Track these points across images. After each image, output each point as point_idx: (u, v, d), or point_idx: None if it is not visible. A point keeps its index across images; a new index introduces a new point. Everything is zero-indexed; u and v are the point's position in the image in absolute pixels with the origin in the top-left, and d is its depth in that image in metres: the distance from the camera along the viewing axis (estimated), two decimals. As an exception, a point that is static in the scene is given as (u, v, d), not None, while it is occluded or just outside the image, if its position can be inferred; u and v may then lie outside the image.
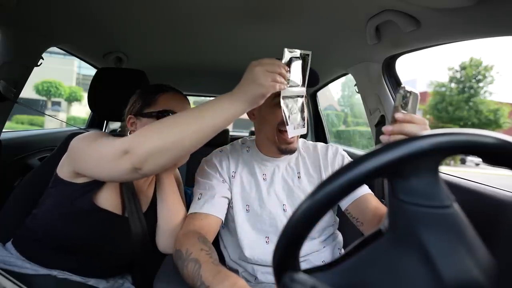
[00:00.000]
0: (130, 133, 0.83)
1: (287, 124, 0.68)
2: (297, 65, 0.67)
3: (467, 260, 0.31)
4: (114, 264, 0.86)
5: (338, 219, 0.98)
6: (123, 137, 0.65)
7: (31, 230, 0.78)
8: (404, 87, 0.54)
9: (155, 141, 0.60)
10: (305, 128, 0.74)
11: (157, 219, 0.85)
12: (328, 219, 0.92)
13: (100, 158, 0.65)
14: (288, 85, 0.65)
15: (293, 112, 0.69)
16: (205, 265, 0.63)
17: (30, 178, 0.96)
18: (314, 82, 0.86)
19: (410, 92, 0.54)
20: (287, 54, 0.64)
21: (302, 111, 0.71)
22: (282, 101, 0.67)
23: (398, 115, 0.54)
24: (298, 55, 0.66)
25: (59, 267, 0.77)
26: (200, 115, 0.62)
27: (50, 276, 0.75)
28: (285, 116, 0.68)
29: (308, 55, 0.68)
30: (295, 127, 0.68)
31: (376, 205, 0.84)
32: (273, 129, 0.85)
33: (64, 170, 0.78)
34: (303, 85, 0.69)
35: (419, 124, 0.54)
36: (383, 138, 0.55)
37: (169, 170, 0.85)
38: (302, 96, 0.72)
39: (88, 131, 0.82)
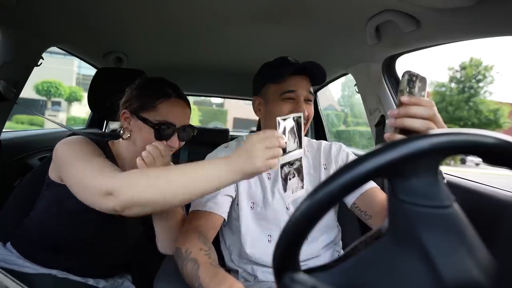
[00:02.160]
0: (122, 130, 0.82)
1: (285, 191, 0.65)
2: (291, 130, 0.66)
3: (467, 260, 0.31)
4: (111, 263, 0.86)
5: (339, 226, 0.97)
6: (110, 173, 0.63)
7: (27, 231, 0.79)
8: (409, 71, 0.52)
9: (141, 192, 0.59)
10: (304, 190, 0.70)
11: (154, 220, 0.84)
12: (330, 221, 0.92)
13: (84, 189, 0.65)
14: (287, 152, 0.64)
15: (291, 177, 0.66)
16: (203, 266, 0.63)
17: (30, 178, 0.96)
18: (322, 77, 0.87)
19: (417, 76, 0.52)
20: (281, 123, 0.63)
21: (299, 172, 0.68)
22: (280, 170, 0.64)
23: (404, 98, 0.52)
24: (291, 120, 0.65)
25: (56, 267, 0.77)
26: (192, 177, 0.60)
27: (50, 275, 0.76)
28: (284, 184, 0.65)
29: (300, 117, 0.67)
30: (293, 190, 0.66)
31: (384, 197, 0.84)
32: None
33: (53, 173, 0.78)
34: (299, 147, 0.68)
35: (425, 106, 0.52)
36: (389, 122, 0.54)
37: None
38: (300, 159, 0.70)
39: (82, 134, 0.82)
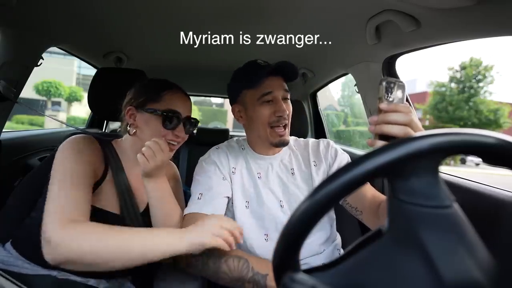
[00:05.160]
0: (129, 126, 0.83)
1: None
2: None
3: (467, 260, 0.31)
4: None
5: (334, 216, 0.98)
6: (66, 218, 0.64)
7: (29, 231, 0.78)
8: (387, 78, 0.54)
9: (79, 254, 0.61)
10: None
11: (152, 222, 0.83)
12: (325, 219, 0.92)
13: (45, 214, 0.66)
14: None
15: None
16: (251, 259, 0.70)
17: (29, 178, 0.95)
18: (294, 74, 0.88)
19: (395, 83, 0.54)
20: None
21: None
22: None
23: (382, 105, 0.54)
24: None
25: (58, 268, 0.77)
26: (142, 243, 0.63)
27: (50, 276, 0.75)
28: None
29: None
30: None
31: (373, 193, 0.85)
32: (264, 126, 0.87)
33: None
34: None
35: (403, 113, 0.53)
36: (370, 129, 0.56)
37: (153, 177, 0.78)
38: None
39: (85, 132, 0.82)
